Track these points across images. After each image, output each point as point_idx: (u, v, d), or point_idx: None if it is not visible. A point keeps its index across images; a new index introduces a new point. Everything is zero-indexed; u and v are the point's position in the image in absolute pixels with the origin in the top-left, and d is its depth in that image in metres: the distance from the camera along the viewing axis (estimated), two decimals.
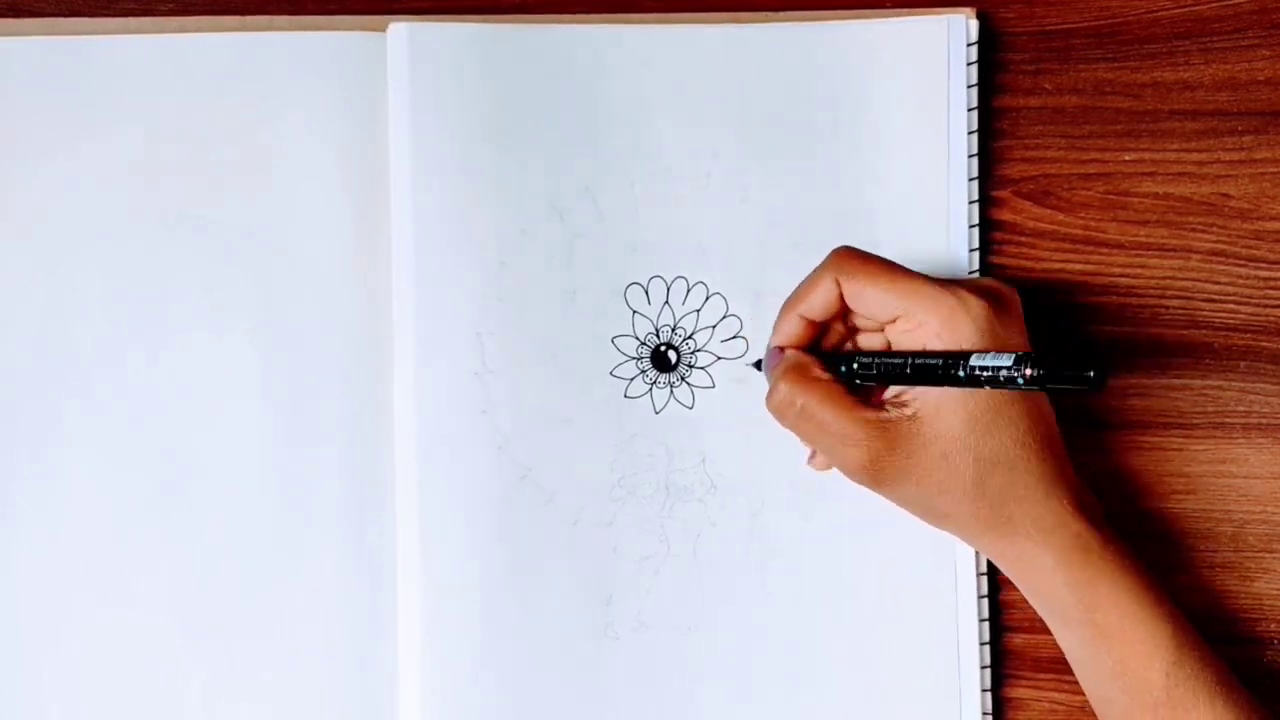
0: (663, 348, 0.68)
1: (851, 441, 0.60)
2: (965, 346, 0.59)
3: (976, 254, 0.69)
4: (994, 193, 0.70)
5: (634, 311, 0.68)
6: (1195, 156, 0.70)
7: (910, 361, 0.60)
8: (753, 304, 0.68)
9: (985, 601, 0.68)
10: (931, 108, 0.68)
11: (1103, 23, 0.70)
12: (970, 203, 0.69)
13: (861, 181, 0.69)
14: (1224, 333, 0.69)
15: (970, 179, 0.69)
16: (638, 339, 0.68)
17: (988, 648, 0.68)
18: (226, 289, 0.68)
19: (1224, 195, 0.70)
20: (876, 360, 0.61)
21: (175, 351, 0.67)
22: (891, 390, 0.62)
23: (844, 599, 0.68)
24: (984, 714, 0.68)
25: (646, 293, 0.68)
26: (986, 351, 0.58)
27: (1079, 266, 0.70)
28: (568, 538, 0.68)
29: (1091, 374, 0.54)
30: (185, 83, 0.67)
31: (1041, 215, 0.70)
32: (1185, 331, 0.69)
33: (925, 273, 0.62)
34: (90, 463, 0.67)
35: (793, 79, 0.68)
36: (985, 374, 0.57)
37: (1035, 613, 0.69)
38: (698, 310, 0.68)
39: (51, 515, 0.67)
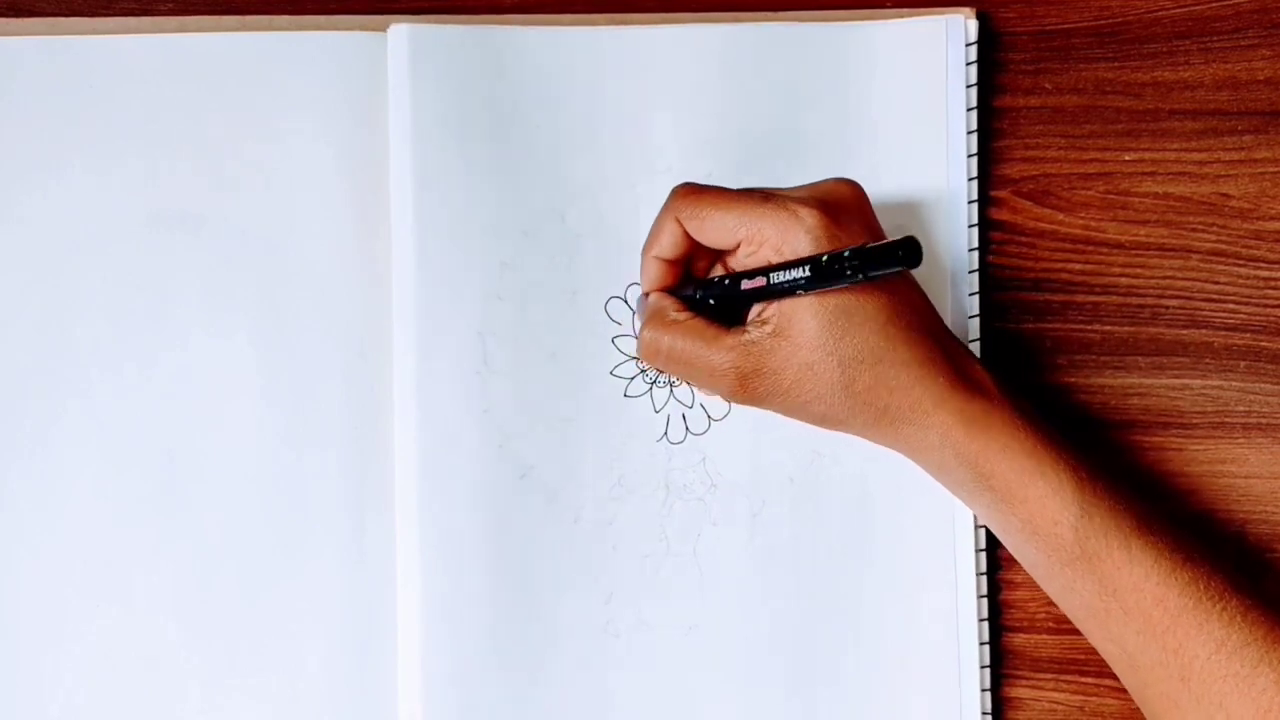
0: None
1: (719, 371, 0.62)
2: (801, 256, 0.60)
3: (976, 254, 0.69)
4: (994, 193, 0.70)
5: (634, 311, 0.68)
6: (1195, 156, 0.70)
7: (735, 283, 0.61)
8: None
9: (985, 601, 0.68)
10: (931, 108, 0.68)
11: (1103, 23, 0.70)
12: (970, 203, 0.69)
13: (861, 181, 0.68)
14: (1224, 333, 0.69)
15: (970, 179, 0.69)
16: (638, 339, 0.68)
17: (988, 648, 0.68)
18: (226, 289, 0.67)
19: (1224, 195, 0.70)
20: (710, 285, 0.63)
21: (175, 351, 0.67)
22: (755, 309, 0.62)
23: (843, 598, 0.68)
24: (984, 714, 0.68)
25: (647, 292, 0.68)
26: (821, 253, 0.59)
27: (1079, 266, 0.70)
28: (568, 536, 0.68)
29: (900, 253, 0.56)
30: (185, 83, 0.67)
31: (1041, 215, 0.70)
32: (1185, 331, 0.69)
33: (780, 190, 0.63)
34: (90, 463, 0.67)
35: (793, 79, 0.68)
36: (790, 283, 0.59)
37: (1035, 613, 0.69)
38: None
39: (51, 515, 0.67)
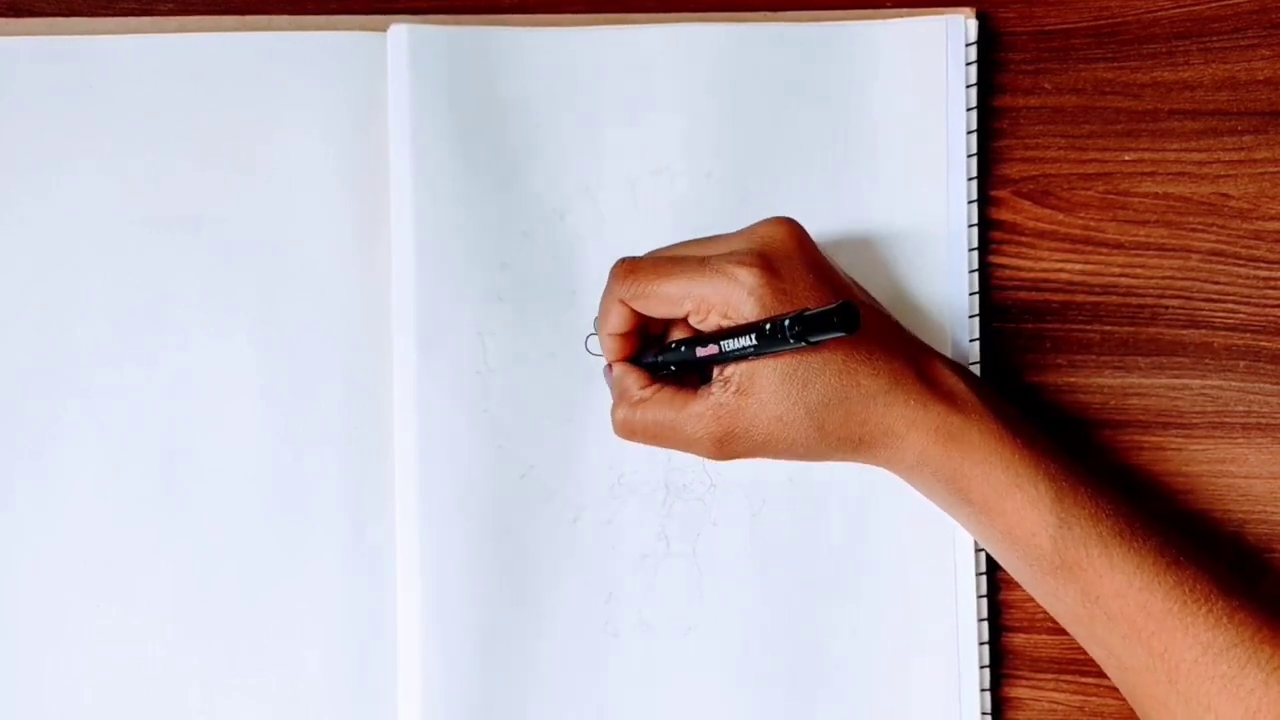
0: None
1: (694, 438, 0.62)
2: (749, 319, 0.60)
3: (976, 254, 0.69)
4: (994, 193, 0.70)
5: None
6: (1195, 156, 0.70)
7: (691, 349, 0.61)
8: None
9: (985, 601, 0.68)
10: (931, 108, 0.68)
11: (1102, 23, 0.70)
12: (970, 203, 0.69)
13: (861, 181, 0.69)
14: (1224, 333, 0.69)
15: (970, 179, 0.69)
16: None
17: (987, 647, 0.68)
18: (226, 288, 0.68)
19: (1224, 195, 0.70)
20: (668, 351, 0.63)
21: (175, 351, 0.67)
22: (716, 369, 0.62)
23: (843, 598, 0.68)
24: (983, 714, 0.68)
25: None
26: (764, 319, 0.59)
27: (1079, 266, 0.70)
28: (568, 536, 0.68)
29: (836, 320, 0.55)
30: (185, 83, 0.67)
31: (1041, 215, 0.70)
32: (1185, 331, 0.69)
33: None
34: (90, 463, 0.67)
35: (793, 79, 0.68)
36: (740, 351, 0.59)
37: (1035, 613, 0.69)
38: None
39: (51, 515, 0.67)
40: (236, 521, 0.67)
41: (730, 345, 0.60)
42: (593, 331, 0.68)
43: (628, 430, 0.64)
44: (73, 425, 0.67)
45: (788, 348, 0.58)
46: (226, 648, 0.67)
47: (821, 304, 0.60)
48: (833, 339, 0.57)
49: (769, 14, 0.69)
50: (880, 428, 0.61)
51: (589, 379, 0.68)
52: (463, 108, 0.67)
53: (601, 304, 0.64)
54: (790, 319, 0.57)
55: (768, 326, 0.58)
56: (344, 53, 0.68)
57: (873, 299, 0.65)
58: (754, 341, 0.59)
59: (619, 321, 0.63)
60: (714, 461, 0.64)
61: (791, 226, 0.63)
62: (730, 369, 0.61)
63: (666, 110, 0.68)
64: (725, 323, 0.61)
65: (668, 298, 0.61)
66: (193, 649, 0.67)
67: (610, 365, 0.65)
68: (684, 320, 0.63)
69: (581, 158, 0.68)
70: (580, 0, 0.69)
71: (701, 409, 0.62)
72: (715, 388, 0.62)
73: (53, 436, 0.67)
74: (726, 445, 0.62)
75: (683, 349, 0.62)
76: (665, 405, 0.62)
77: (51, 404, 0.67)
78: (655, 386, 0.63)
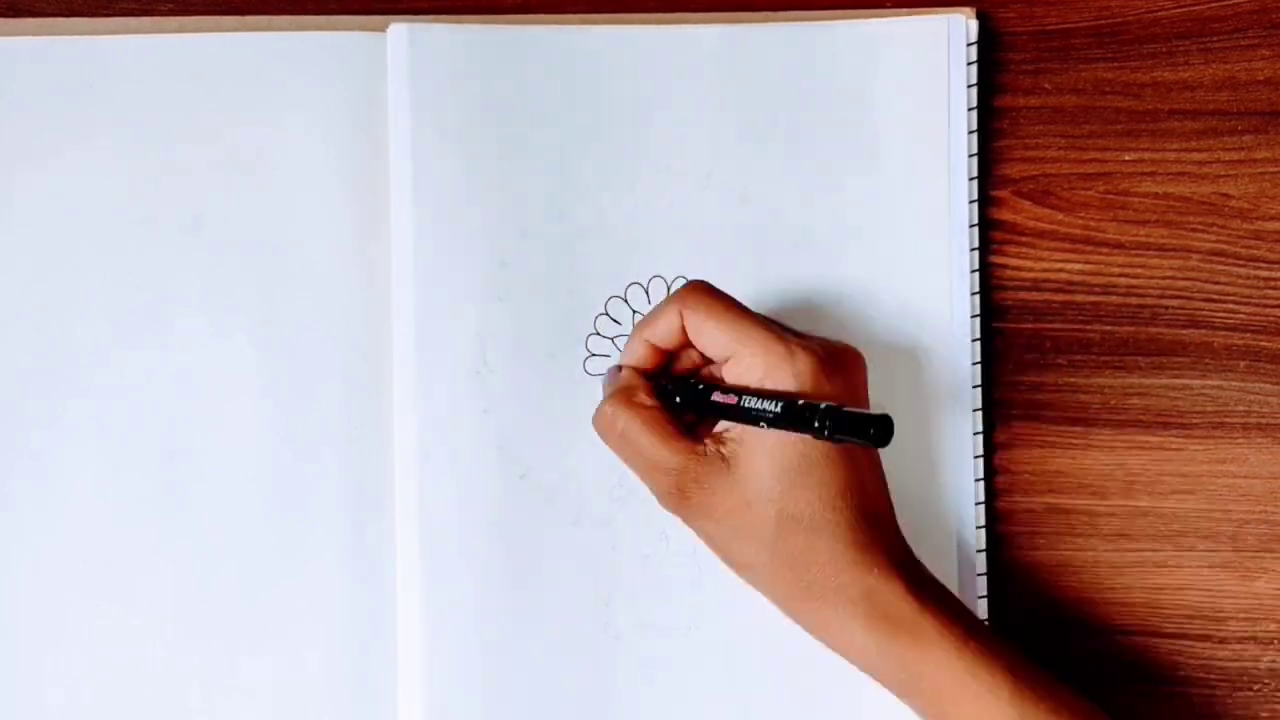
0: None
1: (661, 469, 0.61)
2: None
3: (976, 254, 0.69)
4: (994, 193, 0.70)
5: (634, 311, 0.68)
6: (1195, 156, 0.70)
7: (707, 391, 0.61)
8: (752, 304, 0.68)
9: (985, 601, 0.68)
10: (931, 107, 0.68)
11: (1103, 23, 0.70)
12: (970, 202, 0.69)
13: (861, 181, 0.69)
14: (1224, 333, 0.69)
15: (970, 179, 0.69)
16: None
17: None
18: (226, 289, 0.67)
19: (1224, 195, 0.70)
20: (683, 383, 0.62)
21: (175, 351, 0.67)
22: (721, 425, 0.62)
23: None
24: None
25: (646, 292, 0.68)
26: (799, 394, 0.59)
27: (1079, 266, 0.70)
28: (568, 537, 0.68)
29: (872, 430, 0.55)
30: (185, 83, 0.67)
31: (1041, 215, 0.70)
32: (1185, 331, 0.69)
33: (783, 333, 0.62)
34: (90, 463, 0.67)
35: (792, 78, 0.68)
36: (758, 412, 0.58)
37: (1035, 613, 0.69)
38: None
39: (51, 515, 0.67)
40: (236, 521, 0.67)
41: (751, 403, 0.59)
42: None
43: (608, 423, 0.62)
44: (73, 425, 0.67)
45: (807, 432, 0.57)
46: (226, 648, 0.67)
47: None
48: (858, 443, 0.56)
49: (769, 14, 0.69)
50: (836, 582, 0.60)
51: (589, 379, 0.68)
52: (463, 108, 0.67)
53: (657, 309, 0.63)
54: (827, 406, 0.56)
55: (799, 402, 0.57)
56: (344, 53, 0.68)
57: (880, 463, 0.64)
58: (777, 409, 0.58)
59: (665, 333, 0.63)
60: (661, 504, 0.63)
61: (862, 362, 0.63)
62: (732, 431, 0.61)
63: (666, 110, 0.68)
64: (758, 385, 0.60)
65: (722, 334, 0.61)
66: (193, 649, 0.67)
67: (620, 368, 0.65)
68: (708, 370, 0.63)
69: (581, 158, 0.68)
70: (580, 0, 0.69)
71: (682, 449, 0.61)
72: (707, 439, 0.61)
73: (53, 437, 0.67)
74: (685, 493, 0.61)
75: (700, 386, 0.62)
76: (654, 425, 0.61)
77: (51, 404, 0.67)
78: (657, 403, 0.62)
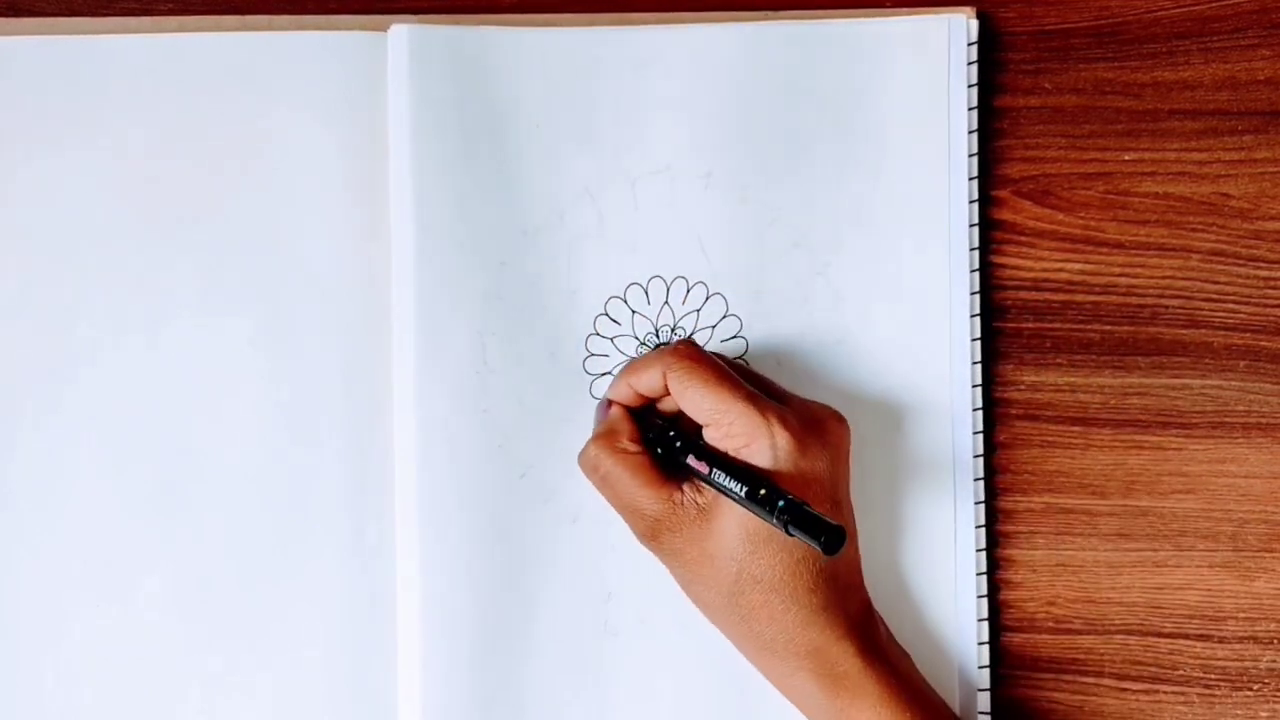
0: (662, 346, 0.68)
1: (639, 512, 0.63)
2: (755, 468, 0.61)
3: (976, 254, 0.69)
4: (994, 192, 0.70)
5: (634, 312, 0.68)
6: (1195, 156, 0.70)
7: (701, 457, 0.62)
8: (753, 304, 0.68)
9: (985, 601, 0.68)
10: (931, 107, 0.68)
11: (1103, 23, 0.70)
12: (970, 202, 0.69)
13: (861, 181, 0.69)
14: (1224, 333, 0.69)
15: (970, 179, 0.69)
16: (637, 339, 0.68)
17: (987, 647, 0.68)
18: (226, 289, 0.68)
19: (1224, 195, 0.70)
20: (664, 439, 0.64)
21: (174, 351, 0.67)
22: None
23: None
24: (983, 714, 0.68)
25: (646, 293, 0.68)
26: (766, 481, 0.60)
27: (1079, 266, 0.70)
28: (567, 536, 0.68)
29: (822, 539, 0.57)
30: (185, 83, 0.67)
31: (1041, 215, 0.70)
32: (1185, 331, 0.69)
33: (769, 388, 0.65)
34: (90, 463, 0.67)
35: (793, 78, 0.68)
36: (725, 489, 0.61)
37: (1035, 613, 0.69)
38: (698, 310, 0.68)
39: (51, 514, 0.67)
40: (236, 521, 0.67)
41: (720, 479, 0.61)
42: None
43: (591, 466, 0.64)
44: (73, 425, 0.67)
45: (766, 518, 0.59)
46: (226, 647, 0.67)
47: (820, 505, 0.61)
48: (806, 543, 0.58)
49: (769, 13, 0.69)
50: (784, 638, 0.62)
51: (589, 379, 0.68)
52: (463, 107, 0.67)
53: (642, 361, 0.65)
54: (787, 503, 0.58)
55: (762, 491, 0.59)
56: (344, 53, 0.68)
57: (854, 529, 0.66)
58: (742, 494, 0.60)
59: (648, 386, 0.64)
60: (636, 538, 0.64)
61: (844, 429, 0.64)
62: (709, 488, 0.62)
63: (666, 110, 0.68)
64: (734, 454, 0.62)
65: (703, 405, 0.62)
66: (193, 648, 0.67)
67: (610, 402, 0.66)
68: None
69: (581, 158, 0.68)
70: (580, 0, 0.69)
71: (660, 496, 0.63)
72: (686, 487, 0.63)
73: (52, 437, 0.67)
74: (659, 536, 0.63)
75: (679, 444, 0.63)
76: (635, 470, 0.63)
77: (52, 404, 0.67)
78: (640, 449, 0.64)
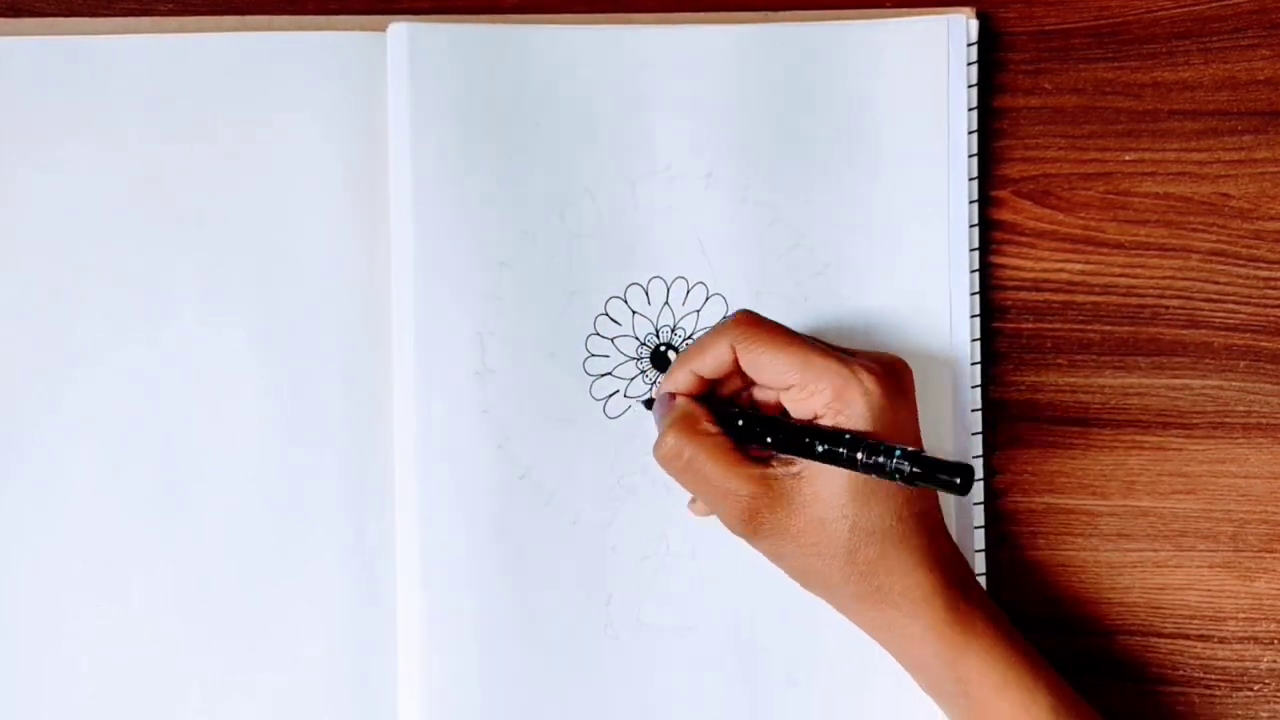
0: (662, 348, 0.68)
1: (732, 497, 0.61)
2: (854, 422, 0.60)
3: (976, 254, 0.69)
4: (994, 193, 0.70)
5: (634, 312, 0.68)
6: (1195, 156, 0.70)
7: (799, 437, 0.61)
8: (753, 304, 0.68)
9: None
10: (931, 107, 0.68)
11: (1102, 23, 0.70)
12: (970, 202, 0.69)
13: (861, 181, 0.69)
14: (1224, 333, 0.69)
15: (970, 179, 0.69)
16: (637, 339, 0.68)
17: None
18: (226, 289, 0.68)
19: (1224, 195, 0.70)
20: (766, 426, 0.62)
21: (174, 352, 0.67)
22: None
23: None
24: None
25: (646, 293, 0.68)
26: (869, 433, 0.60)
27: (1079, 266, 0.70)
28: (567, 537, 0.68)
29: (959, 480, 0.57)
30: (185, 83, 0.67)
31: (1041, 215, 0.70)
32: (1185, 331, 0.69)
33: (824, 341, 0.63)
34: (90, 462, 0.67)
35: (793, 78, 0.68)
36: (865, 464, 0.59)
37: (1036, 612, 0.69)
38: (698, 310, 0.68)
39: (51, 515, 0.67)
40: (236, 521, 0.67)
41: (822, 450, 0.60)
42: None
43: (675, 454, 0.62)
44: (72, 425, 0.67)
45: (885, 475, 0.58)
46: (226, 647, 0.67)
47: (915, 444, 0.61)
48: (934, 489, 0.57)
49: (769, 14, 0.69)
50: (903, 585, 0.61)
51: (589, 379, 0.68)
52: (463, 107, 0.67)
53: (704, 341, 0.63)
54: (905, 454, 0.57)
55: (880, 448, 0.58)
56: (344, 52, 0.68)
57: None
58: (860, 459, 0.59)
59: (714, 365, 0.63)
60: (730, 530, 0.63)
61: (910, 374, 0.64)
62: None
63: (666, 110, 0.68)
64: (825, 411, 0.61)
65: (782, 364, 0.61)
66: (193, 649, 0.67)
67: (672, 395, 0.64)
68: (748, 389, 0.63)
69: (581, 158, 0.68)
70: (580, 0, 0.69)
71: (755, 473, 0.61)
72: (774, 462, 0.62)
73: (53, 437, 0.67)
74: (759, 517, 0.61)
75: (759, 427, 0.62)
76: (721, 452, 0.62)
77: (51, 404, 0.67)
78: (719, 430, 0.62)
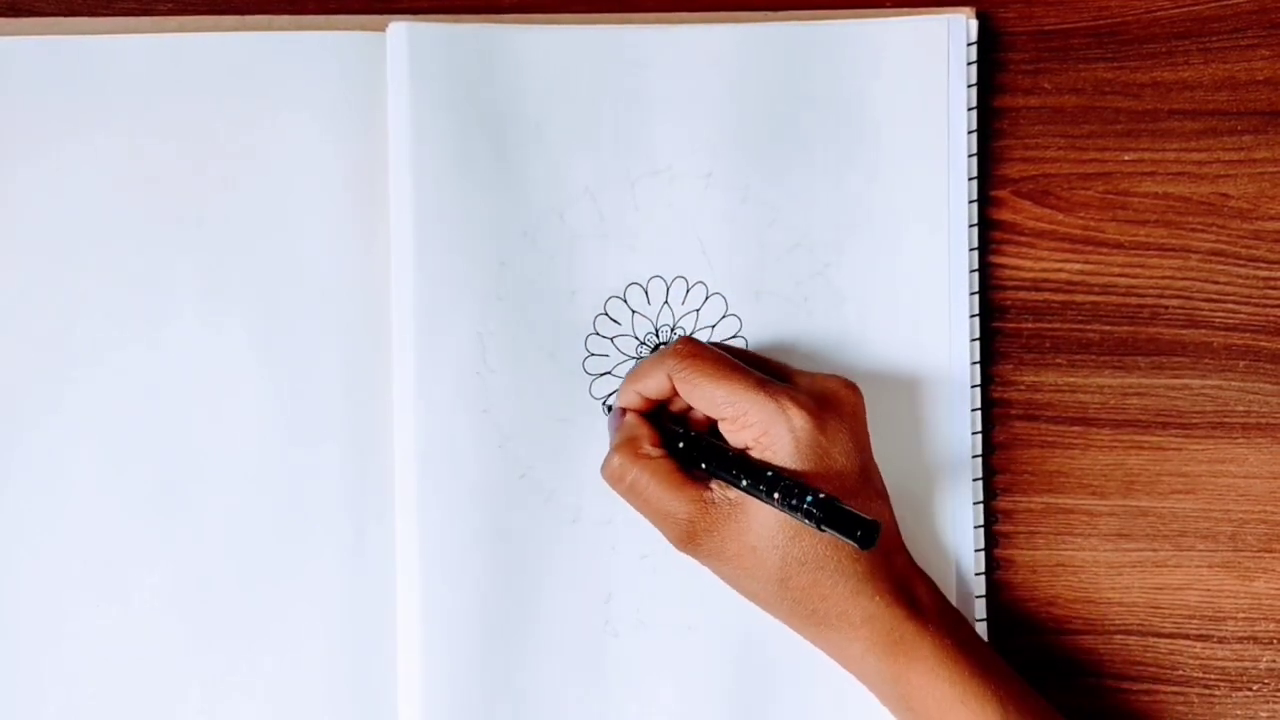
0: (662, 347, 0.68)
1: (673, 518, 0.63)
2: (780, 459, 0.61)
3: (976, 254, 0.69)
4: (994, 193, 0.70)
5: (634, 312, 0.68)
6: (1195, 156, 0.70)
7: (729, 467, 0.61)
8: (753, 304, 0.68)
9: (984, 601, 0.68)
10: (931, 107, 0.68)
11: (1102, 23, 0.70)
12: (970, 202, 0.69)
13: (861, 181, 0.69)
14: (1224, 333, 0.69)
15: (970, 179, 0.69)
16: (637, 339, 0.68)
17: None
18: (226, 289, 0.68)
19: (1224, 195, 0.70)
20: (703, 452, 0.63)
21: (174, 351, 0.67)
22: None
23: None
24: None
25: (646, 293, 0.68)
26: (794, 471, 0.60)
27: (1079, 266, 0.70)
28: (567, 536, 0.68)
29: (859, 534, 0.56)
30: (185, 83, 0.67)
31: (1041, 215, 0.70)
32: (1185, 331, 0.69)
33: (779, 362, 0.65)
34: (90, 462, 0.67)
35: (793, 78, 0.68)
36: (780, 503, 0.59)
37: (1036, 613, 0.69)
38: (697, 310, 0.68)
39: (51, 515, 0.67)
40: (236, 521, 0.67)
41: (745, 484, 0.60)
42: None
43: (618, 476, 0.64)
44: (72, 425, 0.67)
45: (798, 518, 0.58)
46: (226, 647, 0.67)
47: (847, 481, 0.61)
48: (841, 540, 0.57)
49: (769, 14, 0.69)
50: (837, 609, 0.62)
51: (589, 379, 0.68)
52: (463, 107, 0.67)
53: (645, 365, 0.65)
54: (815, 500, 0.57)
55: (795, 490, 0.58)
56: (344, 52, 0.68)
57: (885, 492, 0.65)
58: (776, 499, 0.59)
59: (654, 388, 0.64)
60: (673, 546, 0.64)
61: (856, 395, 0.64)
62: None
63: (666, 110, 0.68)
64: (754, 445, 0.61)
65: (713, 399, 0.62)
66: (193, 648, 0.67)
67: (622, 410, 0.66)
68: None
69: (581, 158, 0.68)
70: (580, 0, 0.69)
71: (694, 495, 0.62)
72: (715, 485, 0.63)
73: (52, 437, 0.67)
74: (696, 539, 0.63)
75: (696, 450, 0.63)
76: (662, 474, 0.63)
77: (51, 404, 0.67)
78: (662, 453, 0.64)
